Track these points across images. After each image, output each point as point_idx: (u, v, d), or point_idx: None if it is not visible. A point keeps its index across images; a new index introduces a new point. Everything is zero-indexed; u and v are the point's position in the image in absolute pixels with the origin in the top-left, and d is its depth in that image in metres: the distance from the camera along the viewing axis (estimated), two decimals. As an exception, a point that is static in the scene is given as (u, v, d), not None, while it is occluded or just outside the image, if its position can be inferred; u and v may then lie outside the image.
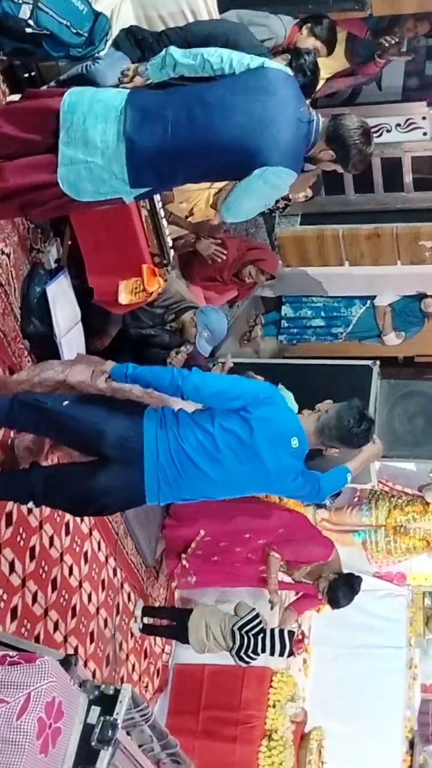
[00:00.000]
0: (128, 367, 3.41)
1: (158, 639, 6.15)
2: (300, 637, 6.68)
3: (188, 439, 3.37)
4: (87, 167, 3.21)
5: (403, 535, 7.04)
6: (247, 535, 5.89)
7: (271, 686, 6.12)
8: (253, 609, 5.48)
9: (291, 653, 5.59)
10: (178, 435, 3.37)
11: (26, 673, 2.43)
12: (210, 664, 6.01)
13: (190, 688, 6.13)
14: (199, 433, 3.38)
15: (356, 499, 7.33)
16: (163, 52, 3.47)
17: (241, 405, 3.42)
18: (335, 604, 5.62)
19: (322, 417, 3.60)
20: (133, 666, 5.70)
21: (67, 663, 2.67)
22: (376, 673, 7.32)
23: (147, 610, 5.81)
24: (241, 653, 5.36)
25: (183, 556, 5.93)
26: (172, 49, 3.44)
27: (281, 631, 5.47)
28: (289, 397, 5.45)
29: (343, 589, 5.55)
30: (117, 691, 2.70)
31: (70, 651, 4.68)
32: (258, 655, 5.40)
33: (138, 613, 5.71)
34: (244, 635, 5.34)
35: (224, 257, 5.56)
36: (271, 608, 5.71)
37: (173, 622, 5.83)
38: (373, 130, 6.36)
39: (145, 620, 5.77)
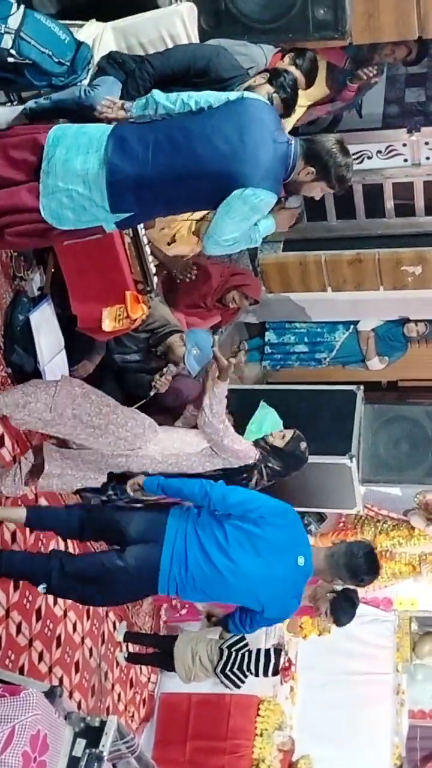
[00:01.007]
0: (159, 479, 3.82)
1: (144, 668, 6.10)
2: (287, 664, 6.64)
3: (204, 530, 3.71)
4: (68, 195, 3.23)
5: (388, 560, 7.02)
6: None
7: (258, 715, 6.08)
8: (239, 634, 5.45)
9: (277, 672, 5.54)
10: (197, 526, 3.72)
11: (10, 706, 2.41)
12: (196, 693, 5.96)
13: (176, 718, 6.08)
14: (215, 528, 3.72)
15: (341, 525, 7.31)
16: (146, 96, 3.50)
17: (258, 515, 3.74)
18: (340, 622, 5.60)
19: (334, 548, 3.97)
20: (119, 696, 5.64)
21: (52, 695, 2.64)
22: (364, 699, 7.28)
23: (129, 636, 5.75)
24: (227, 670, 5.30)
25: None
26: (156, 93, 3.47)
27: (267, 650, 5.44)
28: (272, 413, 5.46)
29: (344, 606, 5.53)
30: (103, 723, 2.68)
31: (55, 682, 4.63)
32: (245, 674, 5.34)
33: (120, 638, 5.66)
34: (232, 652, 5.31)
35: (194, 277, 5.53)
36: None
37: (157, 650, 5.78)
38: (354, 156, 6.45)
39: (131, 649, 5.72)
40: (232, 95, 3.45)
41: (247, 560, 3.66)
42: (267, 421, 5.51)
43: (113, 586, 3.66)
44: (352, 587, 5.74)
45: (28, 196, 3.25)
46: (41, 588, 3.66)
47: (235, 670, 5.30)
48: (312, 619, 6.58)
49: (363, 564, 3.87)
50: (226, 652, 5.31)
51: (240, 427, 4.99)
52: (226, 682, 5.38)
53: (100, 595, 3.75)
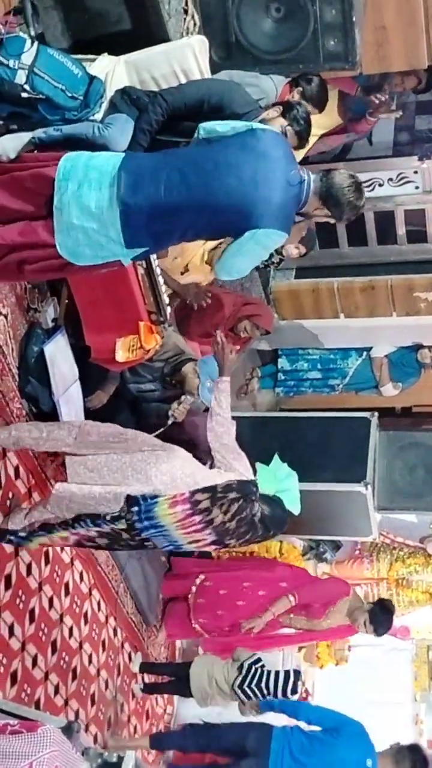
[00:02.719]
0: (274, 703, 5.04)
1: (160, 699, 6.05)
2: (304, 694, 6.58)
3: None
4: (84, 232, 3.23)
5: (405, 588, 6.96)
6: (246, 584, 5.81)
7: (275, 746, 6.00)
8: (254, 654, 5.41)
9: (295, 691, 5.49)
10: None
11: (28, 743, 2.39)
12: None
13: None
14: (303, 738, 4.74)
15: (357, 552, 7.26)
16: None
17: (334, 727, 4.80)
18: (378, 632, 5.69)
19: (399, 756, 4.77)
20: (135, 728, 5.59)
21: (68, 730, 2.63)
22: (382, 729, 7.18)
23: (145, 666, 5.72)
24: (244, 686, 5.25)
25: (193, 621, 5.86)
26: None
27: (287, 671, 5.40)
28: (282, 468, 5.45)
29: (382, 616, 5.60)
30: (120, 759, 2.66)
31: (71, 715, 4.60)
32: (263, 693, 5.28)
33: (136, 669, 5.62)
34: (251, 667, 5.27)
35: (209, 301, 5.54)
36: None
37: (173, 678, 5.74)
38: (365, 184, 6.48)
39: (146, 679, 5.68)
40: (241, 125, 3.45)
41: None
42: (280, 477, 5.50)
43: None
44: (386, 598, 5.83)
45: (44, 233, 3.25)
46: None
47: (253, 686, 5.24)
48: (329, 649, 6.54)
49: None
50: (245, 668, 5.27)
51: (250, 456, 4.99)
52: (244, 698, 5.30)
53: None
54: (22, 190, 3.32)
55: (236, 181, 3.27)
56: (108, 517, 3.63)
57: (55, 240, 3.23)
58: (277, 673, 5.33)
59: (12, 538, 3.82)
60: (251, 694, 5.24)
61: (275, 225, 3.35)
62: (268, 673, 5.29)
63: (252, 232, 3.32)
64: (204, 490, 3.66)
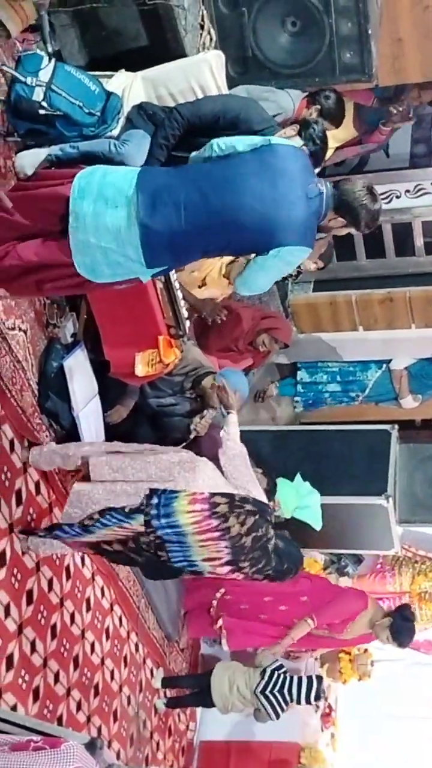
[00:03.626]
0: None
1: (182, 716, 6.03)
2: (327, 710, 6.54)
3: None
4: (102, 251, 3.20)
5: (428, 602, 6.90)
6: (267, 598, 5.78)
7: (299, 762, 5.97)
8: (276, 660, 5.37)
9: (318, 698, 5.45)
10: None
11: (52, 759, 2.38)
12: (236, 740, 5.87)
13: (216, 766, 5.98)
14: None
15: (379, 566, 7.22)
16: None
17: None
18: (403, 644, 5.63)
19: None
20: (158, 744, 5.57)
21: (92, 747, 2.61)
22: (407, 744, 7.12)
23: (167, 681, 5.70)
24: (266, 691, 5.22)
25: (215, 611, 5.82)
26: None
27: (309, 676, 5.37)
28: (303, 485, 5.44)
29: (403, 626, 5.55)
30: (144, 776, 2.63)
31: (94, 731, 4.58)
32: (286, 701, 5.23)
33: (158, 685, 5.60)
34: (274, 673, 5.24)
35: (224, 318, 5.54)
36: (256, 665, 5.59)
37: (195, 689, 5.71)
38: (382, 196, 6.50)
39: (168, 694, 5.66)
40: (258, 140, 3.44)
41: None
42: (302, 492, 5.49)
43: None
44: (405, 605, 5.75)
45: (61, 253, 3.23)
46: None
47: (275, 692, 5.19)
48: (351, 664, 6.49)
49: None
50: (268, 673, 5.24)
51: (271, 475, 4.99)
52: (266, 704, 5.24)
53: None
54: (38, 209, 3.31)
55: (257, 201, 3.25)
56: (127, 509, 3.59)
57: (73, 259, 3.22)
58: (300, 678, 5.30)
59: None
60: (273, 700, 5.20)
61: (299, 241, 3.36)
62: (291, 678, 5.25)
63: (277, 250, 3.33)
64: (223, 494, 3.63)
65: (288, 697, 5.21)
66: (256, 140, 3.44)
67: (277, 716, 5.30)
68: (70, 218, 3.21)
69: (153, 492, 3.62)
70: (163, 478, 3.80)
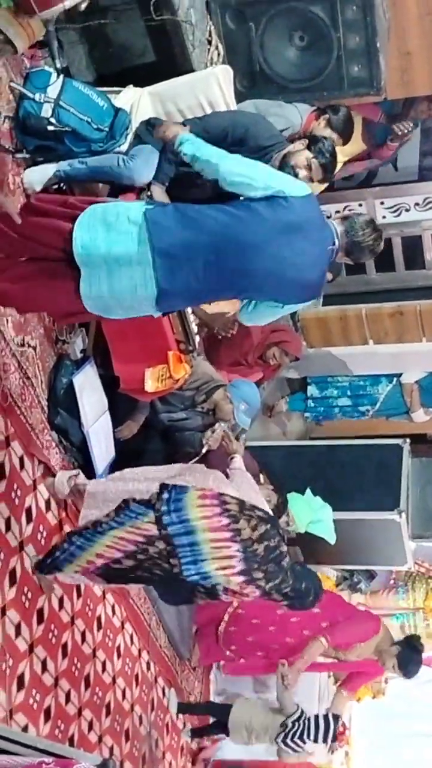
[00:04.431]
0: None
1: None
2: (341, 729, 6.46)
3: None
4: (116, 302, 3.18)
5: (442, 618, 6.85)
6: (279, 611, 5.72)
7: (314, 781, 5.89)
8: (297, 706, 5.32)
9: (335, 738, 5.39)
10: None
11: (63, 782, 2.34)
12: (250, 759, 5.80)
13: (230, 786, 5.91)
14: None
15: (392, 582, 7.15)
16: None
17: None
18: (410, 674, 5.54)
19: None
20: (170, 764, 5.51)
21: (104, 767, 2.57)
22: (423, 761, 7.05)
23: (183, 707, 5.65)
24: (287, 740, 5.18)
25: (221, 633, 5.77)
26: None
27: (326, 716, 5.31)
28: (315, 499, 5.40)
29: (411, 657, 5.48)
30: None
31: (105, 751, 4.53)
32: (304, 741, 5.21)
33: (173, 710, 5.55)
34: (294, 723, 5.19)
35: (234, 332, 5.52)
36: (280, 692, 5.51)
37: (213, 718, 5.67)
38: (391, 209, 6.48)
39: (189, 725, 5.63)
40: (274, 183, 3.28)
41: None
42: (315, 507, 5.45)
43: None
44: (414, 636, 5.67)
45: (72, 303, 3.20)
46: None
47: (296, 739, 5.18)
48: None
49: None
50: (288, 725, 5.20)
51: (281, 489, 4.96)
52: (287, 749, 5.24)
53: None
54: (42, 238, 3.21)
55: (275, 264, 3.25)
56: (138, 498, 3.57)
57: (84, 305, 3.19)
58: (317, 718, 5.25)
59: (48, 561, 3.78)
60: (293, 745, 5.19)
61: (310, 298, 3.55)
62: (308, 721, 5.22)
63: (289, 306, 3.50)
64: (232, 497, 3.60)
65: (307, 739, 5.20)
66: (272, 184, 3.27)
67: (297, 753, 5.30)
68: (81, 270, 3.13)
69: (164, 487, 3.59)
70: (173, 478, 3.78)
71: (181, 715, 5.70)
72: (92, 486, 3.90)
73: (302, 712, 5.29)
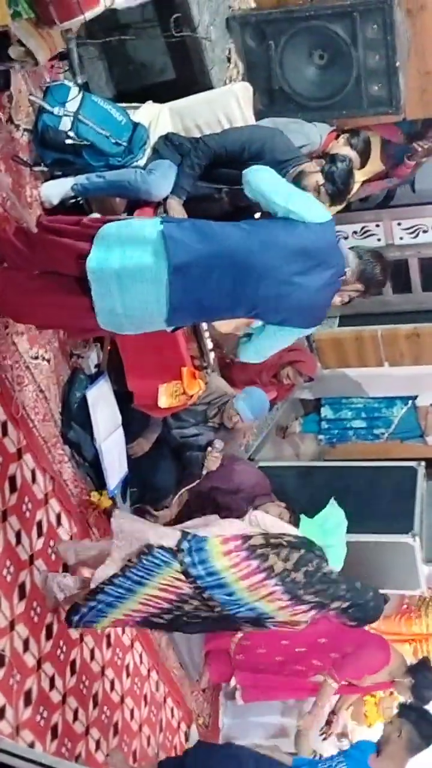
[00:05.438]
0: None
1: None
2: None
3: None
4: (128, 319, 3.19)
5: (456, 644, 6.75)
6: (284, 642, 5.64)
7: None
8: (315, 752, 5.25)
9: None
10: None
11: (69, 800, 2.29)
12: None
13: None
14: None
15: (405, 607, 7.06)
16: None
17: None
18: (425, 700, 5.34)
19: None
20: (178, 787, 5.43)
21: (111, 787, 2.52)
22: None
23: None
24: None
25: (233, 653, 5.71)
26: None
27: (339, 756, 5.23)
28: (329, 519, 5.34)
29: (426, 685, 5.33)
30: None
31: (112, 771, 4.47)
32: None
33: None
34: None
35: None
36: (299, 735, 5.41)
37: None
38: (409, 231, 6.46)
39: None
40: (294, 207, 3.30)
41: None
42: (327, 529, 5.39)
43: None
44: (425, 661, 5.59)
45: (85, 319, 3.24)
46: None
47: None
48: (377, 708, 6.33)
49: None
50: None
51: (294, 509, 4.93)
52: None
53: None
54: (57, 257, 3.25)
55: (288, 288, 3.27)
56: (163, 545, 3.47)
57: (97, 320, 3.21)
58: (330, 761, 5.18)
59: (75, 619, 3.68)
60: None
61: (316, 324, 3.57)
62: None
63: (297, 330, 3.48)
64: (254, 532, 3.56)
65: None
66: (292, 207, 3.29)
67: None
68: (91, 286, 3.13)
69: (184, 535, 3.53)
70: (196, 525, 3.77)
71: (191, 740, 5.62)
72: (117, 519, 3.73)
73: (321, 756, 5.20)
